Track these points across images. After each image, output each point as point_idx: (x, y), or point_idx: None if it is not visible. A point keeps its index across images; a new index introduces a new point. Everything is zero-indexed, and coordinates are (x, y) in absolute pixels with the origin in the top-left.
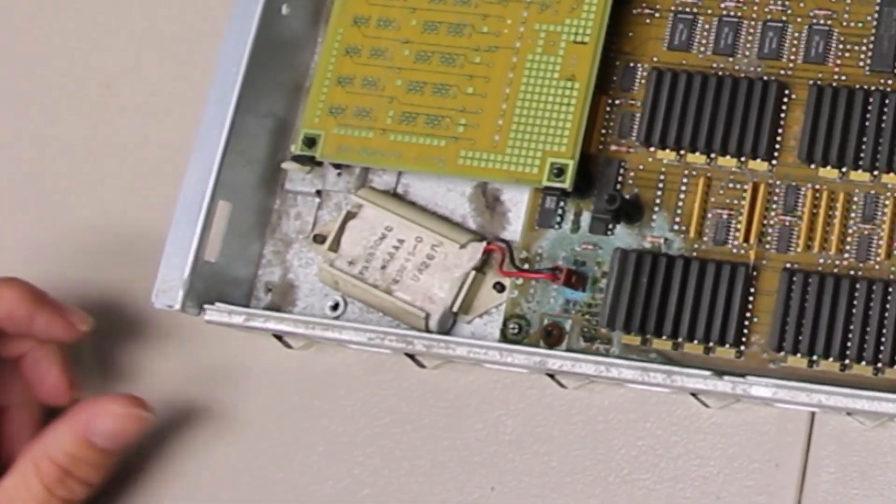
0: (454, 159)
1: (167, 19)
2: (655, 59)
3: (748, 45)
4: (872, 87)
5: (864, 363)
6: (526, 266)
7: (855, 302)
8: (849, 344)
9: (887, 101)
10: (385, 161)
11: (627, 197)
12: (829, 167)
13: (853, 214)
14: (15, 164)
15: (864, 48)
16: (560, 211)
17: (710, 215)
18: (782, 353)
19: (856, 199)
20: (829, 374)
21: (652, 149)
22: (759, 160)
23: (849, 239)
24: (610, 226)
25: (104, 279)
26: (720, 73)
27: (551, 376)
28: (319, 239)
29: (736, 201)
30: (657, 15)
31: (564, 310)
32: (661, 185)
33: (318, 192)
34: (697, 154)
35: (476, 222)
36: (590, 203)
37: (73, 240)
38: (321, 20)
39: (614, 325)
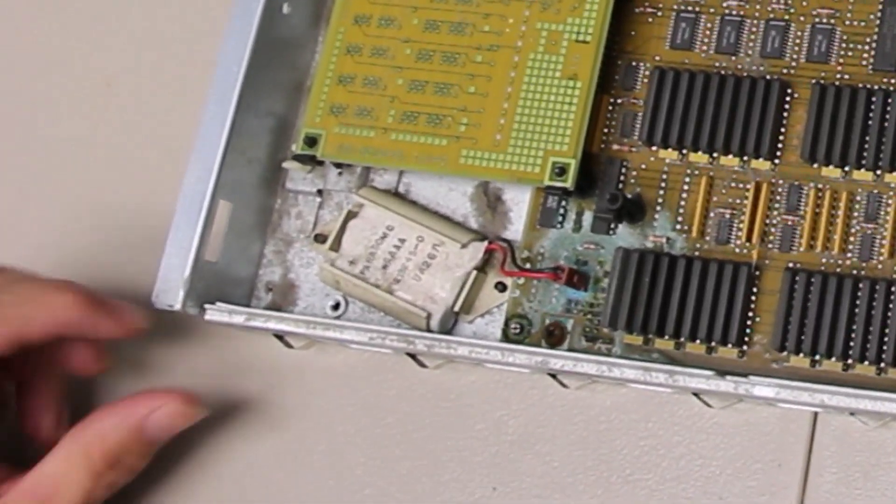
0: (456, 158)
1: (168, 18)
2: (658, 58)
3: (751, 44)
4: (875, 86)
5: (866, 363)
6: (528, 266)
7: (858, 301)
8: (851, 344)
9: (890, 100)
10: (386, 160)
11: (629, 196)
12: (831, 166)
13: (856, 214)
14: (15, 164)
15: (866, 47)
16: (562, 210)
17: (712, 215)
18: (785, 353)
19: (858, 198)
20: (832, 373)
21: (654, 148)
22: (761, 159)
23: (851, 238)
24: (612, 225)
25: (104, 278)
26: (722, 72)
27: (553, 376)
28: (320, 238)
29: (738, 201)
30: (659, 14)
31: (566, 309)
32: (663, 184)
33: (319, 192)
34: (700, 153)
35: (478, 222)
36: (592, 202)
37: (73, 239)
38: (322, 19)
39: (616, 325)
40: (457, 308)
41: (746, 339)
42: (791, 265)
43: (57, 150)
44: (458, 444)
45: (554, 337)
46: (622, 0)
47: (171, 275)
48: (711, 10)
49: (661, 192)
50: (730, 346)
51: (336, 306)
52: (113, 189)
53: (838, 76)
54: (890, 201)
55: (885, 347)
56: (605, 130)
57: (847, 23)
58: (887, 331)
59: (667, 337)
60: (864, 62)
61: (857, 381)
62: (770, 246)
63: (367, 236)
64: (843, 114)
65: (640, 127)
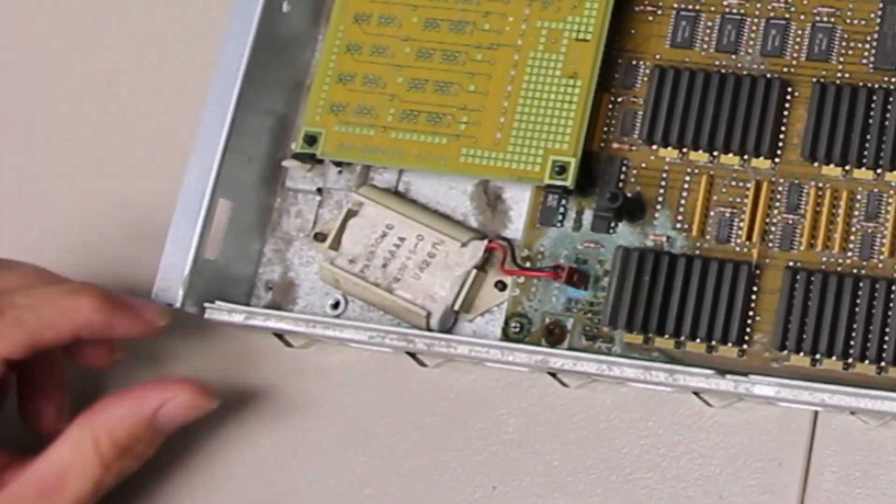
0: (455, 157)
1: (167, 17)
2: (658, 56)
3: (751, 43)
4: (876, 85)
5: (867, 362)
6: (528, 264)
7: (858, 300)
8: (852, 342)
9: (891, 99)
10: (386, 159)
11: (629, 195)
12: (832, 165)
13: (856, 212)
14: (15, 164)
15: (867, 45)
16: (562, 209)
17: (712, 213)
18: (785, 352)
19: (859, 197)
20: (832, 372)
21: (654, 146)
22: (761, 158)
23: (852, 237)
24: (612, 224)
25: (104, 277)
26: (723, 71)
27: (553, 375)
28: (320, 237)
29: (739, 199)
30: (660, 12)
31: (566, 308)
32: (663, 183)
33: (319, 190)
34: (700, 152)
35: (477, 220)
36: (592, 201)
37: (73, 239)
38: (322, 18)
39: (616, 324)
40: (457, 307)
41: (747, 337)
42: (791, 264)
43: (57, 149)
44: (458, 443)
45: (554, 336)
46: None
47: (171, 273)
48: (712, 9)
49: (662, 190)
50: (730, 344)
51: (336, 305)
52: (113, 188)
53: (839, 75)
54: (890, 200)
55: (885, 346)
56: (606, 129)
57: (847, 21)
58: (888, 330)
59: (667, 336)
60: (865, 61)
61: (857, 380)
62: (770, 245)
63: (366, 235)
64: (843, 112)
65: (640, 125)
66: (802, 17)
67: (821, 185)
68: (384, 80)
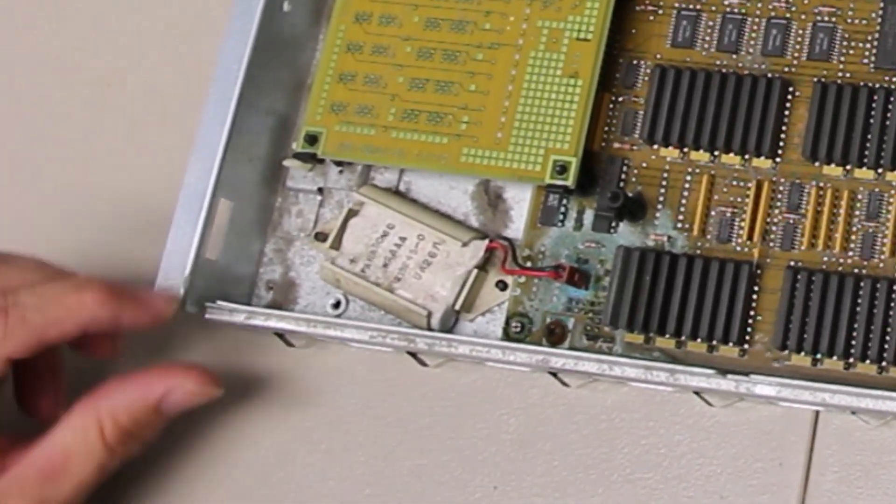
0: (456, 157)
1: (168, 16)
2: (659, 56)
3: (752, 42)
4: (877, 85)
5: (868, 362)
6: (528, 264)
7: (859, 300)
8: (853, 342)
9: (892, 99)
10: (387, 158)
11: (630, 195)
12: (833, 165)
13: (857, 212)
14: (15, 164)
15: (868, 45)
16: (563, 209)
17: (713, 213)
18: (786, 352)
19: (860, 196)
20: (833, 372)
21: (655, 146)
22: (762, 158)
23: (853, 237)
24: (613, 223)
25: (105, 277)
26: (724, 71)
27: (554, 375)
28: (321, 237)
29: (740, 199)
30: (660, 12)
31: (567, 308)
32: (664, 182)
33: (320, 190)
34: (701, 152)
35: (478, 220)
36: (593, 201)
37: (73, 239)
38: (323, 17)
39: (617, 324)
40: (458, 306)
41: (748, 337)
42: (792, 264)
43: (57, 150)
44: (459, 442)
45: (555, 335)
46: None
47: (172, 273)
48: (713, 9)
49: (663, 190)
50: (731, 344)
51: (337, 305)
52: (113, 188)
53: (840, 74)
54: (891, 200)
55: (886, 346)
56: (606, 129)
57: (848, 21)
58: (889, 330)
59: (668, 335)
60: (866, 60)
61: (858, 379)
62: (771, 244)
63: (367, 235)
64: (844, 112)
65: (641, 125)
66: (803, 16)
67: (822, 184)
68: (385, 79)
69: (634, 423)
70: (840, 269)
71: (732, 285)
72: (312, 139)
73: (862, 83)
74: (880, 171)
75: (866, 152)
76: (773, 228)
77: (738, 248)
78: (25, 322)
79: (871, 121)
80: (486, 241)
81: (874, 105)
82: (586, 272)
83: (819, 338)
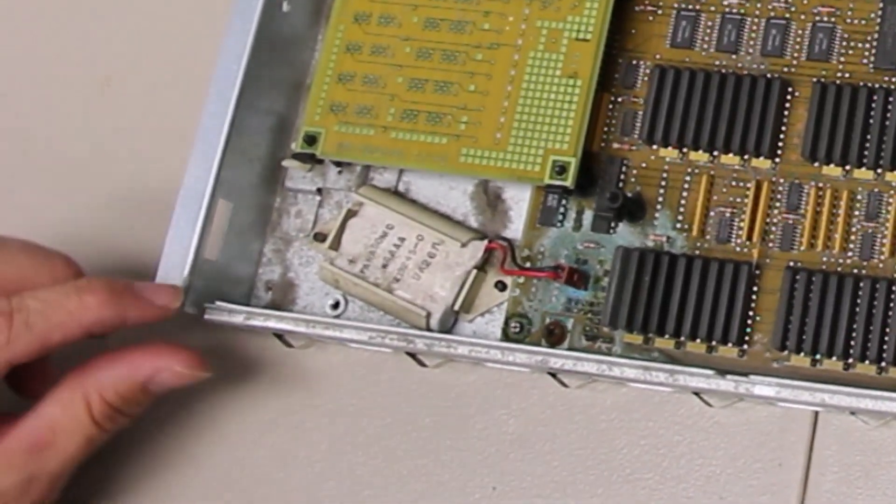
0: (456, 157)
1: (168, 16)
2: (658, 56)
3: (751, 43)
4: (876, 85)
5: (867, 362)
6: (528, 264)
7: (858, 300)
8: (852, 343)
9: (891, 99)
10: (386, 159)
11: (630, 195)
12: (832, 165)
13: (857, 212)
14: (15, 164)
15: (867, 45)
16: (562, 209)
17: (712, 213)
18: (785, 352)
19: (859, 197)
20: (833, 373)
21: (654, 146)
22: (762, 158)
23: (852, 237)
24: (612, 224)
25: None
26: (723, 71)
27: (553, 375)
28: (320, 237)
29: (739, 199)
30: (660, 12)
31: (566, 308)
32: (663, 183)
33: (319, 191)
34: (700, 152)
35: (477, 220)
36: (592, 201)
37: (71, 240)
38: (322, 17)
39: (616, 324)
40: (457, 307)
41: (747, 338)
42: (792, 264)
43: (56, 150)
44: (458, 443)
45: (554, 336)
46: None
47: (171, 273)
48: (712, 9)
49: (662, 190)
50: (730, 345)
51: (336, 305)
52: (112, 188)
53: (839, 74)
54: (891, 200)
55: (885, 347)
56: (606, 129)
57: (848, 21)
58: (888, 330)
59: (667, 336)
60: (865, 60)
61: (857, 380)
62: (771, 245)
63: (366, 235)
64: (843, 112)
65: (640, 125)
66: (803, 16)
67: (821, 185)
68: (384, 79)
69: (634, 423)
70: (839, 269)
71: (732, 286)
72: (311, 139)
73: (861, 83)
74: (879, 171)
75: (865, 152)
76: (773, 229)
77: (738, 249)
78: (29, 327)
79: (871, 121)
80: (486, 242)
81: (873, 105)
82: (585, 272)
83: (818, 338)
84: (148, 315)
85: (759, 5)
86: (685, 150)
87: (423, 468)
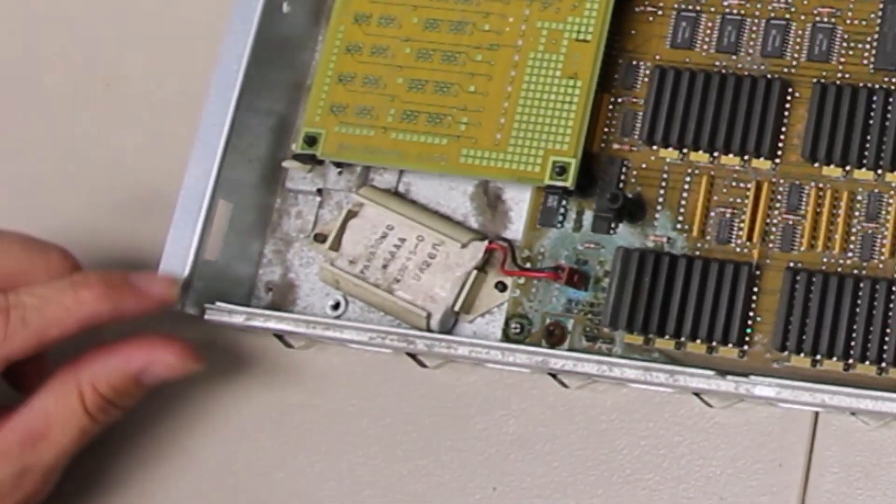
0: (456, 158)
1: (168, 17)
2: (658, 56)
3: (751, 43)
4: (876, 85)
5: (867, 363)
6: (528, 265)
7: (858, 301)
8: (852, 343)
9: (891, 100)
10: (386, 159)
11: (630, 196)
12: (832, 166)
13: (857, 213)
14: (15, 165)
15: (867, 46)
16: (562, 210)
17: (713, 214)
18: (786, 353)
19: (859, 197)
20: (833, 373)
21: (655, 147)
22: (762, 159)
23: (852, 238)
24: (612, 225)
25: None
26: (723, 71)
27: (553, 376)
28: (320, 238)
29: (739, 200)
30: (660, 13)
31: (566, 309)
32: (663, 183)
33: (319, 191)
34: (700, 152)
35: (478, 221)
36: (592, 202)
37: (71, 240)
38: (322, 18)
39: (617, 325)
40: (457, 308)
41: (747, 338)
42: (792, 265)
43: (56, 150)
44: (459, 444)
45: (554, 337)
46: None
47: (171, 274)
48: (712, 10)
49: (662, 191)
50: (730, 345)
51: (336, 306)
52: (113, 188)
53: (839, 75)
54: (891, 201)
55: (885, 347)
56: (606, 130)
57: (848, 22)
58: (888, 331)
59: (667, 337)
60: (865, 61)
61: (858, 380)
62: (771, 245)
63: (367, 236)
64: (843, 113)
65: (640, 126)
66: (803, 17)
67: (821, 185)
68: (384, 80)
69: (634, 424)
70: (839, 269)
71: (732, 286)
72: (312, 140)
73: (861, 84)
74: (880, 171)
75: (866, 153)
76: (773, 229)
77: (738, 249)
78: (26, 323)
79: (871, 122)
80: (486, 243)
81: (873, 106)
82: (586, 273)
83: (818, 339)
84: (145, 307)
85: (759, 6)
86: (685, 150)
87: (423, 469)
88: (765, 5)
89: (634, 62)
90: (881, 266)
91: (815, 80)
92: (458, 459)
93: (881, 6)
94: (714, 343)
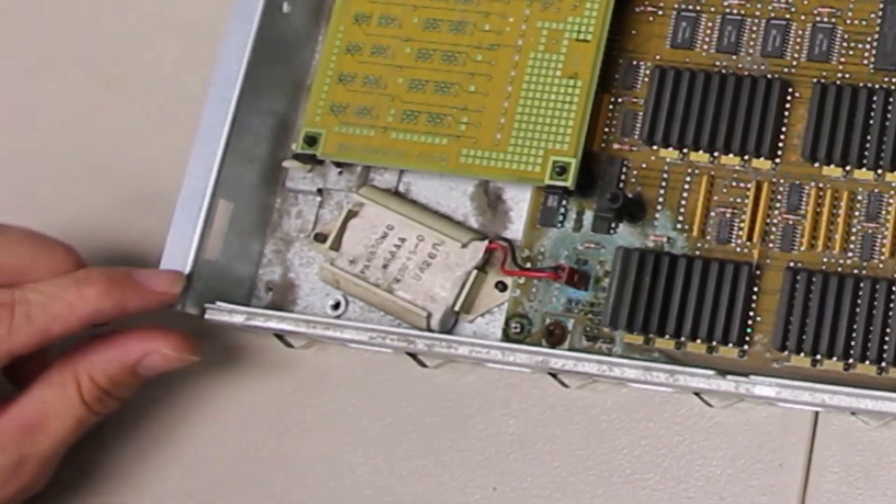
0: (456, 158)
1: (168, 17)
2: (658, 56)
3: (751, 43)
4: (876, 85)
5: (867, 362)
6: (528, 265)
7: (858, 301)
8: (852, 343)
9: (891, 100)
10: (386, 159)
11: (630, 195)
12: (832, 165)
13: (857, 213)
14: (14, 165)
15: (867, 46)
16: (562, 209)
17: (713, 214)
18: (786, 353)
19: (859, 197)
20: (833, 373)
21: (655, 147)
22: (762, 159)
23: (852, 238)
24: (612, 224)
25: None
26: (723, 71)
27: (554, 376)
28: (320, 238)
29: (739, 200)
30: (660, 13)
31: (567, 309)
32: (663, 183)
33: (320, 191)
34: (700, 152)
35: (478, 221)
36: (592, 202)
37: (71, 240)
38: (322, 18)
39: (617, 325)
40: (457, 307)
41: (747, 338)
42: (792, 265)
43: (55, 150)
44: (459, 443)
45: (554, 336)
46: None
47: None
48: (712, 10)
49: (662, 191)
50: (730, 345)
51: (336, 306)
52: (113, 188)
53: (839, 75)
54: (891, 201)
55: (885, 347)
56: (606, 129)
57: (848, 22)
58: (888, 330)
59: (667, 336)
60: (866, 61)
61: (858, 380)
62: (771, 245)
63: (367, 236)
64: (844, 113)
65: (640, 126)
66: (803, 17)
67: (821, 185)
68: (384, 80)
69: (634, 423)
70: (840, 269)
71: (732, 286)
72: (312, 140)
73: (861, 84)
74: (880, 171)
75: (866, 153)
76: (773, 229)
77: (738, 249)
78: (30, 319)
79: (871, 122)
80: (486, 242)
81: (874, 106)
82: (586, 273)
83: (818, 339)
84: (148, 303)
85: (759, 6)
86: (685, 150)
87: (423, 468)
88: (765, 5)
89: (634, 62)
90: (881, 266)
91: (815, 80)
92: (458, 459)
93: (881, 6)
94: (714, 343)
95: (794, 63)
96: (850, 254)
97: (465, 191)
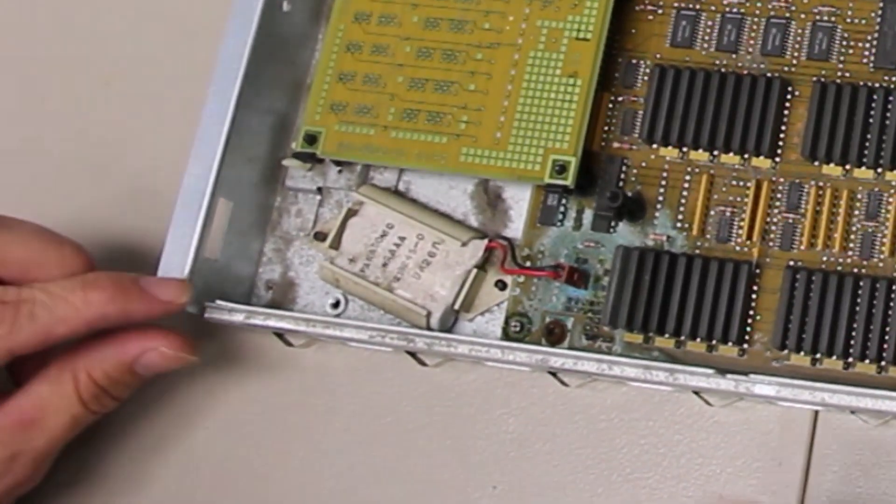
0: (456, 156)
1: (168, 15)
2: (658, 55)
3: (751, 42)
4: (876, 84)
5: (867, 361)
6: (528, 264)
7: (858, 300)
8: (852, 342)
9: (891, 98)
10: (386, 158)
11: (630, 194)
12: (832, 164)
13: (857, 212)
14: (14, 165)
15: (867, 45)
16: (562, 208)
17: (712, 213)
18: (785, 352)
19: (859, 196)
20: (833, 372)
21: (654, 146)
22: (762, 157)
23: (852, 236)
24: (612, 223)
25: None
26: (723, 70)
27: (553, 374)
28: (320, 236)
29: (739, 199)
30: (660, 11)
31: (566, 308)
32: (663, 182)
33: (319, 190)
34: (700, 151)
35: (478, 220)
36: (592, 200)
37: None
38: (322, 17)
39: (616, 323)
40: (457, 306)
41: (747, 337)
42: (792, 263)
43: (55, 150)
44: (459, 442)
45: (554, 335)
46: None
47: (171, 273)
48: (712, 8)
49: (662, 190)
50: (730, 344)
51: (336, 304)
52: (112, 188)
53: (839, 74)
54: (891, 199)
55: (885, 346)
56: (606, 128)
57: (848, 20)
58: (888, 329)
59: (667, 335)
60: (865, 60)
61: (857, 379)
62: (771, 244)
63: (367, 234)
64: (843, 112)
65: (640, 125)
66: (803, 16)
67: (821, 184)
68: (384, 79)
69: (634, 422)
70: (839, 268)
71: (732, 285)
72: (312, 139)
73: (861, 83)
74: (879, 170)
75: (865, 152)
76: (773, 228)
77: (738, 248)
78: (33, 318)
79: (871, 120)
80: (486, 241)
81: (873, 105)
82: (585, 272)
83: (818, 337)
84: (153, 311)
85: (759, 5)
86: (685, 149)
87: (423, 467)
88: (765, 4)
89: (634, 61)
90: (881, 265)
91: (814, 78)
92: (458, 458)
93: (881, 5)
94: (714, 341)
95: (794, 62)
96: (849, 253)
97: (464, 189)
